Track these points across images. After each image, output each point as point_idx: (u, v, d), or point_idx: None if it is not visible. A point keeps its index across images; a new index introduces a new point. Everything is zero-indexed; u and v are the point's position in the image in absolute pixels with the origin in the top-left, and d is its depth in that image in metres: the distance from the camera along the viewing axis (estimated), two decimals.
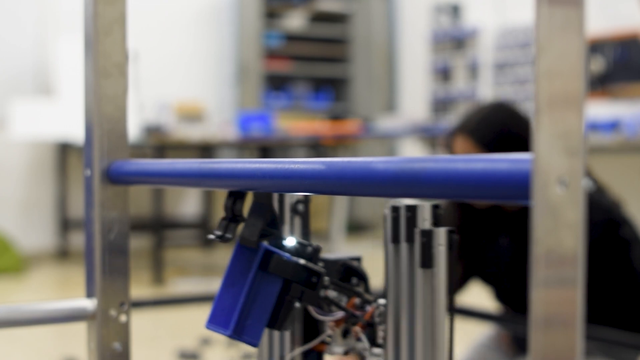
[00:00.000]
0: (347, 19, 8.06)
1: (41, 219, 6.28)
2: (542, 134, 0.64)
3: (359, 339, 1.07)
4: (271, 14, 7.68)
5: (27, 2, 6.22)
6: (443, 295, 0.96)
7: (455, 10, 7.33)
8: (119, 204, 1.21)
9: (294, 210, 1.13)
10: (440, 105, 7.38)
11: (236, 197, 1.03)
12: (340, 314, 1.06)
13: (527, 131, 2.16)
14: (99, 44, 1.19)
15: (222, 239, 1.03)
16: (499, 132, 2.20)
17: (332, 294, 1.07)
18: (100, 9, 1.18)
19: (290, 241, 1.05)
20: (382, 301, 1.04)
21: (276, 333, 1.15)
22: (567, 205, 0.64)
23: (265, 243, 1.01)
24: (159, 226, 5.56)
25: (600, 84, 5.75)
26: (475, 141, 2.20)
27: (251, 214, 1.03)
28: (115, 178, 1.19)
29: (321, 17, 7.97)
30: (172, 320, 4.19)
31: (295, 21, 7.84)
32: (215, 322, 1.03)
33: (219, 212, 6.97)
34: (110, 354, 1.19)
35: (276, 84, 7.81)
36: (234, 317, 0.99)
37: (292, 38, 7.80)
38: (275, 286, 1.00)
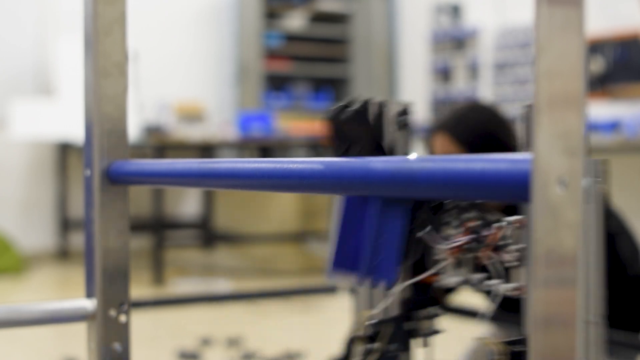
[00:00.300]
0: (347, 19, 8.05)
1: (41, 219, 6.28)
2: (542, 133, 0.64)
3: (474, 270, 0.93)
4: (271, 14, 7.68)
5: (27, 2, 6.22)
6: None
7: (455, 11, 7.33)
8: (119, 204, 1.21)
9: (400, 125, 1.01)
10: (440, 105, 7.38)
11: None
12: (460, 240, 0.92)
13: (504, 129, 2.22)
14: (98, 44, 1.19)
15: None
16: (476, 129, 2.25)
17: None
18: (100, 8, 1.18)
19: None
20: (510, 219, 0.89)
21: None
22: (567, 205, 0.64)
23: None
24: (159, 226, 5.56)
25: (600, 84, 5.75)
26: (453, 139, 2.23)
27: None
28: (115, 178, 1.19)
29: (321, 17, 7.96)
30: (172, 321, 4.19)
31: (295, 21, 7.84)
32: (340, 266, 0.93)
33: (220, 213, 6.95)
34: (110, 354, 1.19)
35: (276, 84, 7.81)
36: (364, 258, 0.90)
37: (292, 38, 7.80)
38: (400, 216, 0.91)
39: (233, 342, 3.54)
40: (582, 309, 0.72)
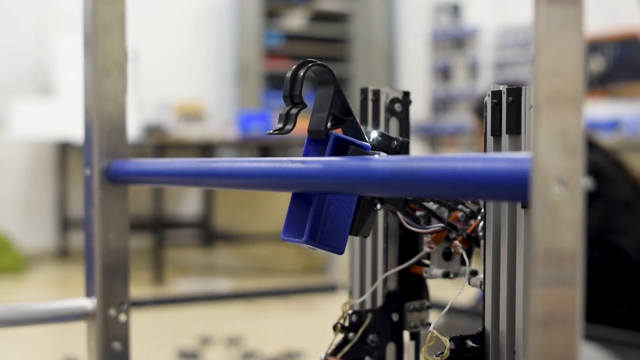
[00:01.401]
0: (347, 19, 8.05)
1: (41, 219, 6.28)
2: (541, 133, 0.64)
3: (463, 263, 0.93)
4: (271, 14, 7.68)
5: (27, 2, 6.22)
6: None
7: (455, 10, 7.33)
8: (119, 203, 1.21)
9: (390, 111, 1.01)
10: (440, 104, 7.38)
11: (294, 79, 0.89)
12: (437, 226, 0.93)
13: None
14: (98, 43, 1.19)
15: (282, 131, 0.89)
16: None
17: (432, 206, 0.95)
18: (100, 8, 1.18)
19: (372, 133, 0.92)
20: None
21: (369, 250, 1.04)
22: (566, 204, 0.64)
23: (336, 132, 0.89)
24: (159, 226, 5.56)
25: (600, 84, 5.75)
26: (480, 120, 2.28)
27: (316, 102, 0.91)
28: (115, 177, 1.19)
29: (321, 17, 7.96)
30: (172, 320, 4.19)
31: (295, 21, 7.84)
32: (289, 232, 0.90)
33: (220, 212, 6.94)
34: (110, 354, 1.19)
35: (276, 83, 7.81)
36: (308, 224, 0.88)
37: (292, 38, 7.80)
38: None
39: (233, 341, 3.54)
40: (581, 309, 0.72)
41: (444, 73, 7.40)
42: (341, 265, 5.20)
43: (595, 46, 5.71)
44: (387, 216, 1.02)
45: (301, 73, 0.89)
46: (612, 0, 5.78)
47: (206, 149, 6.34)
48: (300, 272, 5.67)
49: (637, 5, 5.19)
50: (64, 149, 6.21)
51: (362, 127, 1.00)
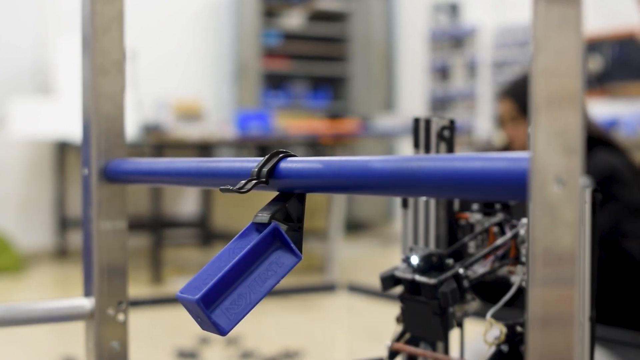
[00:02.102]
0: (346, 18, 8.05)
1: (40, 218, 6.28)
2: (539, 132, 0.64)
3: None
4: (270, 13, 7.68)
5: (26, 2, 6.21)
6: None
7: (453, 9, 7.33)
8: (117, 202, 1.21)
9: (440, 136, 1.12)
10: (439, 103, 7.38)
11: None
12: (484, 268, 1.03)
13: None
14: (96, 42, 1.19)
15: (239, 190, 0.90)
16: None
17: (476, 216, 1.07)
18: (98, 7, 1.18)
19: (413, 259, 1.02)
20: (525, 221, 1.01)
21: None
22: (565, 203, 0.64)
23: (279, 224, 0.89)
24: (158, 225, 5.56)
25: (599, 83, 5.76)
26: (516, 106, 2.30)
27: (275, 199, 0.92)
28: (113, 177, 1.19)
29: (320, 16, 7.96)
30: (171, 320, 4.19)
31: (294, 20, 7.84)
32: (187, 291, 0.85)
33: (218, 211, 6.95)
34: (108, 353, 1.19)
35: (275, 82, 7.81)
36: (208, 285, 0.83)
37: (290, 37, 7.80)
38: (272, 281, 0.87)
39: (231, 341, 3.54)
40: (580, 308, 0.72)
41: (442, 72, 7.40)
42: (340, 265, 5.20)
43: (593, 45, 5.72)
44: (439, 224, 1.11)
45: (272, 162, 0.92)
46: None
47: (204, 148, 6.34)
48: (299, 272, 5.67)
49: (635, 5, 5.20)
50: (63, 148, 6.21)
51: (408, 233, 1.13)
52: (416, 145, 1.13)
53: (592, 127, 2.38)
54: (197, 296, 0.81)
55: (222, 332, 0.83)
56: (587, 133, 2.26)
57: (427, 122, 1.12)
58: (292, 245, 0.89)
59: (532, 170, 0.64)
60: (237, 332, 3.67)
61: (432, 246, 1.12)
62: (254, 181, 0.92)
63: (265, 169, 0.92)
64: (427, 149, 1.12)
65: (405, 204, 1.15)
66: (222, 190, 0.93)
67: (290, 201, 0.92)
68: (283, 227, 0.90)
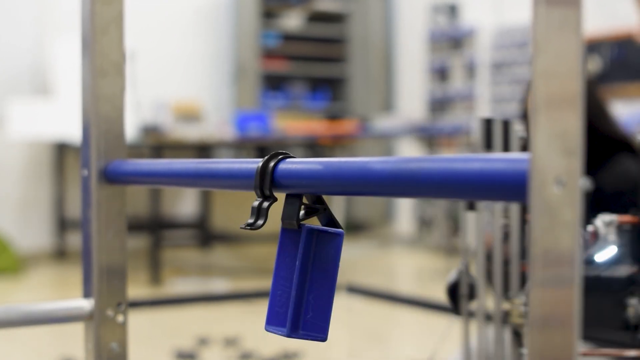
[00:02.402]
0: (345, 19, 8.06)
1: (39, 219, 6.27)
2: (539, 133, 0.64)
3: None
4: (269, 14, 7.68)
5: (25, 2, 6.21)
6: None
7: (452, 10, 7.34)
8: (116, 203, 1.21)
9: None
10: (438, 105, 7.38)
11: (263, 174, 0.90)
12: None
13: (595, 108, 2.20)
14: (96, 43, 1.19)
15: (253, 226, 0.91)
16: None
17: None
18: (98, 8, 1.18)
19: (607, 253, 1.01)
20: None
21: None
22: (564, 205, 0.64)
23: (308, 224, 0.91)
24: (157, 226, 5.55)
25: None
26: None
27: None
28: (112, 178, 1.19)
29: (319, 17, 7.97)
30: (170, 320, 4.19)
31: (292, 21, 7.84)
32: (273, 322, 0.92)
33: (217, 212, 6.94)
34: (107, 354, 1.19)
35: (273, 83, 7.81)
36: (289, 315, 0.89)
37: (289, 38, 7.80)
38: (333, 268, 0.90)
39: (230, 342, 3.54)
40: (579, 308, 0.72)
41: (441, 73, 7.40)
42: (339, 266, 5.19)
43: (592, 46, 5.72)
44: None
45: (271, 164, 0.91)
46: (609, 0, 5.78)
47: (203, 149, 6.33)
48: None
49: (634, 6, 5.20)
50: (62, 149, 6.21)
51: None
52: (488, 146, 1.15)
53: (617, 131, 2.32)
54: (287, 331, 0.88)
55: (322, 340, 0.89)
56: (611, 136, 2.23)
57: (505, 124, 1.16)
58: (329, 230, 0.91)
59: (532, 171, 0.64)
60: (236, 332, 3.67)
61: None
62: (267, 202, 0.91)
63: (266, 187, 0.91)
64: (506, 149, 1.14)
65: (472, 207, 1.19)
66: (242, 228, 0.95)
67: (302, 197, 0.93)
68: (312, 223, 0.91)
